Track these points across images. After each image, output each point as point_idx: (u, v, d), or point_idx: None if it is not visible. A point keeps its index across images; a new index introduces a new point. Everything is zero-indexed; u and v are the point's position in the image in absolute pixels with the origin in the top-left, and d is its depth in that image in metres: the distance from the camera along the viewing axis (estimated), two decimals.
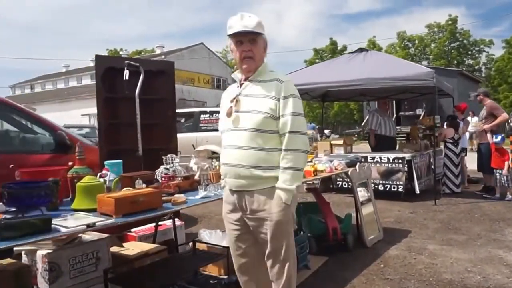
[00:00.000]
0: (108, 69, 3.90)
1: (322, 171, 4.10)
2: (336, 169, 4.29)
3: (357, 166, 4.46)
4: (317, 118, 43.56)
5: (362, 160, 6.78)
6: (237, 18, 2.08)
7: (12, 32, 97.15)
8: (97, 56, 3.99)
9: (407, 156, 6.61)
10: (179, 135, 4.49)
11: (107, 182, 2.78)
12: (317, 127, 31.64)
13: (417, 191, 6.57)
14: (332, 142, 7.42)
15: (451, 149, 7.10)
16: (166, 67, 4.30)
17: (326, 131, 34.50)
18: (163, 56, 32.52)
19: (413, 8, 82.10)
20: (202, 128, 9.22)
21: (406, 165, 6.63)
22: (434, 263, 3.73)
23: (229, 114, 2.17)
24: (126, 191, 2.55)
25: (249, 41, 2.10)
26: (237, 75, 2.25)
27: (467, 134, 8.90)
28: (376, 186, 6.73)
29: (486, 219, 5.24)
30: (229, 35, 2.11)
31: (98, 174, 2.93)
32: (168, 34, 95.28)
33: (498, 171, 6.39)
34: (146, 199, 2.45)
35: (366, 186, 4.66)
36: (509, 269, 3.53)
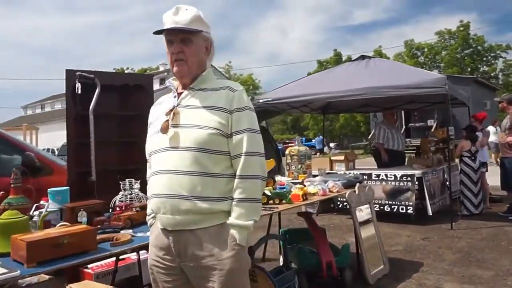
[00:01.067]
0: (83, 85, 3.51)
1: (314, 194, 3.57)
2: (330, 191, 3.75)
3: (356, 187, 3.90)
4: (321, 131, 43.10)
5: (366, 178, 6.23)
6: (171, 12, 1.69)
7: (26, 55, 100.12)
8: (68, 71, 3.55)
9: (417, 173, 6.02)
10: None
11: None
12: (324, 140, 31.21)
13: (430, 212, 5.97)
14: (332, 158, 6.87)
15: (468, 164, 6.49)
16: (144, 81, 3.96)
17: (332, 145, 33.98)
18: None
19: (420, 17, 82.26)
20: None
21: (416, 183, 6.04)
22: None
23: (164, 130, 1.69)
24: (53, 230, 2.10)
25: (181, 41, 1.69)
26: (173, 82, 1.80)
27: (490, 146, 8.25)
28: (382, 207, 6.15)
29: None
30: (156, 33, 1.71)
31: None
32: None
33: None
34: (73, 240, 1.99)
35: (368, 210, 4.09)
36: None
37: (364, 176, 6.30)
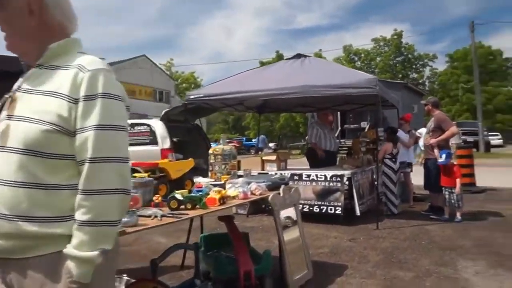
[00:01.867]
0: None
1: (234, 198, 3.28)
2: (253, 194, 3.48)
3: (281, 189, 3.67)
4: (262, 132, 43.38)
5: (297, 178, 6.09)
6: None
7: None
8: None
9: (347, 173, 5.98)
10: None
11: None
12: (266, 139, 31.29)
13: (358, 212, 5.94)
14: (264, 158, 6.66)
15: (389, 166, 6.56)
16: (12, 66, 3.35)
17: (271, 144, 34.19)
18: None
19: (360, 24, 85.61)
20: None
21: (346, 183, 6.00)
22: None
23: None
24: None
25: None
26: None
27: (418, 147, 8.44)
28: (311, 208, 6.04)
29: (435, 248, 4.64)
30: None
31: None
32: (115, 48, 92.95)
33: (447, 189, 5.91)
34: None
35: (294, 212, 3.88)
36: None
37: (295, 177, 6.17)
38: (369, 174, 6.77)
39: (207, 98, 6.77)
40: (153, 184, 3.02)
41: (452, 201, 5.87)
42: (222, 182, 3.70)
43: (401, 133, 7.19)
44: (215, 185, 3.50)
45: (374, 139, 8.07)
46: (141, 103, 31.20)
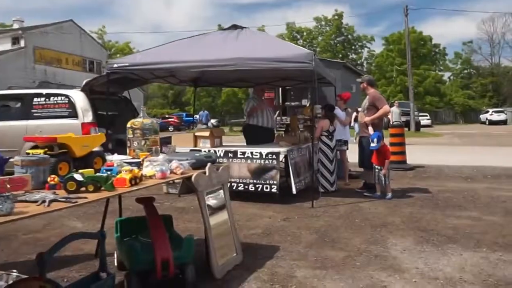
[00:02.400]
0: None
1: (150, 177, 2.89)
2: (173, 173, 3.11)
3: (207, 168, 3.32)
4: (203, 108, 42.58)
5: (232, 156, 5.78)
6: None
7: None
8: None
9: (282, 150, 5.76)
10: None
11: None
12: (209, 115, 30.57)
13: (294, 191, 5.78)
14: (197, 134, 6.26)
15: (326, 143, 6.45)
16: None
17: (213, 121, 33.63)
18: (20, 32, 28.25)
19: (302, 2, 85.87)
20: (35, 114, 7.42)
21: (281, 161, 5.80)
22: None
23: None
24: None
25: None
26: None
27: (356, 126, 8.44)
28: (246, 187, 5.78)
29: (367, 225, 4.57)
30: None
31: None
32: (39, 10, 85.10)
33: (377, 168, 5.92)
34: None
35: (221, 193, 3.57)
36: None
37: (230, 154, 5.86)
38: (306, 152, 6.63)
39: (132, 67, 6.18)
40: (50, 162, 2.54)
41: (381, 179, 5.89)
42: (140, 160, 3.29)
43: (337, 111, 7.10)
44: (131, 164, 3.09)
45: (311, 116, 7.95)
46: (69, 73, 28.91)
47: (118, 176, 2.66)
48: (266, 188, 5.71)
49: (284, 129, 8.26)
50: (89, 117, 7.30)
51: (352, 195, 6.21)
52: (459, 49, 60.11)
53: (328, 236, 4.21)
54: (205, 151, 3.83)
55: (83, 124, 7.20)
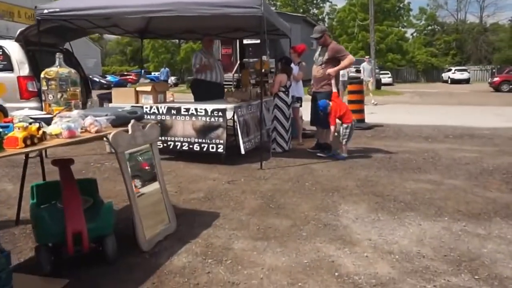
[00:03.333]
0: None
1: (57, 136, 2.42)
2: (87, 131, 2.65)
3: (130, 125, 2.87)
4: (163, 65, 40.88)
5: (175, 113, 5.32)
6: None
7: None
8: None
9: (229, 107, 5.34)
10: None
11: None
12: (169, 72, 29.14)
13: (243, 151, 5.43)
14: (138, 88, 5.69)
15: (283, 99, 6.09)
16: None
17: (172, 78, 32.43)
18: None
19: None
20: None
21: (228, 119, 5.40)
22: (234, 283, 2.48)
23: None
24: None
25: None
26: None
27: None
28: (191, 146, 5.38)
29: (318, 190, 4.31)
30: None
31: None
32: None
33: (344, 125, 5.65)
34: None
35: (149, 154, 3.14)
36: (342, 285, 2.47)
37: (173, 111, 5.39)
38: (256, 109, 6.24)
39: (64, 13, 5.44)
40: None
41: (342, 135, 5.65)
42: (52, 115, 2.81)
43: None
44: (39, 120, 2.60)
45: (265, 71, 7.52)
46: (21, 26, 26.63)
47: (9, 135, 2.19)
48: (212, 148, 5.32)
49: (234, 84, 7.80)
50: (25, 70, 6.57)
51: (305, 155, 5.96)
52: (424, 4, 60.18)
53: (274, 202, 3.93)
54: (134, 107, 3.33)
55: (19, 77, 6.51)
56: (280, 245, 2.97)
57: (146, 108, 5.46)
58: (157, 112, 5.45)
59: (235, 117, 5.42)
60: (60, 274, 2.49)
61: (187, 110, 5.36)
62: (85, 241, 2.45)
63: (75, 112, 2.78)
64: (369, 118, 9.54)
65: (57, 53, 3.24)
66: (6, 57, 6.75)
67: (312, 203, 3.90)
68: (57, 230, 2.46)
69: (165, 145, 5.45)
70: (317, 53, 5.96)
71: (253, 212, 3.64)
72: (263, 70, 6.69)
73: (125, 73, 36.03)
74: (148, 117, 5.47)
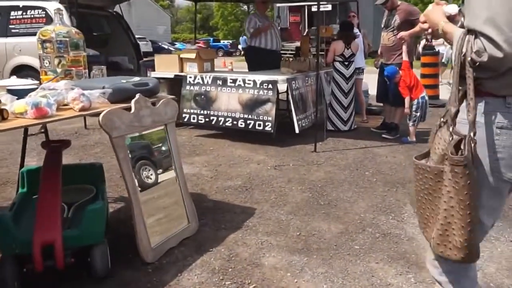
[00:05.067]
0: None
1: (20, 114, 1.74)
2: (65, 107, 1.94)
3: (133, 101, 2.11)
4: (232, 33, 40.15)
5: (221, 84, 4.53)
6: None
7: None
8: None
9: (281, 79, 4.42)
10: None
11: None
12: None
13: (297, 130, 4.52)
14: (182, 55, 4.95)
15: (339, 71, 5.01)
16: None
17: (240, 46, 31.52)
18: None
19: None
20: (13, 31, 6.32)
21: (282, 92, 4.51)
22: None
23: None
24: None
25: None
26: None
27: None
28: (236, 123, 4.57)
29: (380, 182, 3.33)
30: None
31: None
32: None
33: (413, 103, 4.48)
34: None
35: (163, 138, 2.38)
36: None
37: (218, 81, 4.59)
38: (315, 81, 5.24)
39: None
40: None
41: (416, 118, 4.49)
42: (36, 86, 2.14)
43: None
44: (15, 91, 1.96)
45: (328, 38, 6.43)
46: None
47: None
48: (259, 125, 4.47)
49: (293, 53, 6.79)
50: None
51: (368, 136, 4.89)
52: None
53: (324, 196, 3.03)
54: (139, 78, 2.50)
55: None
56: (323, 263, 2.11)
57: (190, 77, 4.73)
58: (201, 82, 4.69)
59: (289, 90, 4.50)
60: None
61: (234, 81, 4.53)
62: (58, 255, 1.78)
63: (61, 83, 2.08)
64: (445, 95, 8.05)
65: (55, 9, 2.55)
66: (49, 20, 6.31)
67: (370, 200, 2.95)
68: (23, 238, 1.80)
69: (207, 119, 4.70)
70: (385, 18, 4.78)
71: (297, 210, 2.79)
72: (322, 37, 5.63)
73: (196, 41, 35.83)
74: (192, 87, 4.73)
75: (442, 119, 1.18)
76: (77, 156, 4.10)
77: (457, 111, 1.13)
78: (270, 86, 4.34)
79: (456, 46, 1.10)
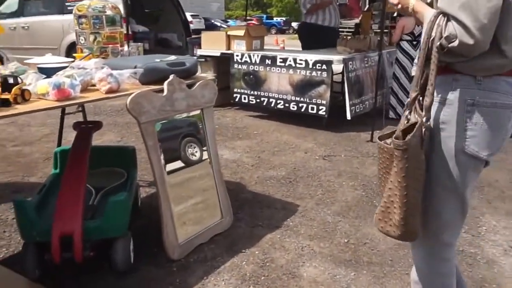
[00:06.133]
0: None
1: (42, 95, 1.64)
2: (92, 87, 1.82)
3: (166, 83, 1.94)
4: (286, 9, 39.13)
5: (270, 63, 4.29)
6: None
7: None
8: None
9: (336, 58, 4.06)
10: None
11: None
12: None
13: (348, 116, 4.18)
14: (230, 32, 4.74)
15: (406, 51, 4.52)
16: None
17: (295, 24, 30.75)
18: None
19: None
20: (69, 8, 6.52)
21: (337, 73, 4.18)
22: None
23: None
24: None
25: None
26: None
27: None
28: (286, 105, 4.34)
29: None
30: None
31: None
32: None
33: None
34: None
35: (198, 123, 2.21)
36: None
37: (267, 61, 4.35)
38: (376, 62, 4.82)
39: None
40: None
41: None
42: (80, 64, 2.04)
43: None
44: (46, 70, 1.87)
45: (393, 13, 5.88)
46: None
47: None
48: (312, 109, 4.19)
49: (352, 30, 6.33)
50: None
51: None
52: None
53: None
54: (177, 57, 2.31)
55: None
56: (374, 281, 1.85)
57: (237, 55, 4.52)
58: (249, 61, 4.47)
59: (344, 71, 4.15)
60: (54, 280, 1.80)
61: (284, 60, 4.26)
62: (77, 247, 1.68)
63: (91, 62, 1.96)
64: None
65: None
66: None
67: None
68: (45, 225, 1.72)
69: (257, 100, 4.49)
70: None
71: (346, 211, 2.52)
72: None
73: (248, 18, 35.40)
74: (240, 66, 4.53)
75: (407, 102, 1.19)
76: (119, 134, 4.09)
77: (416, 96, 1.13)
78: (324, 66, 4.02)
79: (425, 28, 1.09)
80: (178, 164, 2.09)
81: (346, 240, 2.20)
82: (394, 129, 1.17)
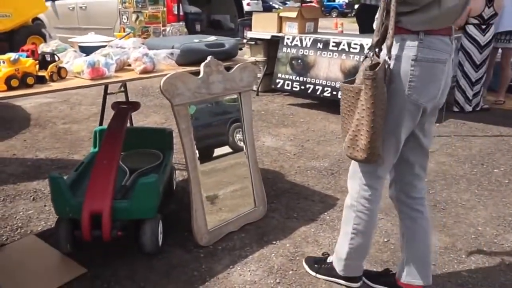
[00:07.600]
0: None
1: (78, 74, 1.71)
2: (127, 67, 1.87)
3: (203, 64, 1.95)
4: None
5: (321, 47, 4.20)
6: None
7: None
8: None
9: None
10: None
11: None
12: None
13: None
14: (282, 14, 4.67)
15: (473, 37, 4.18)
16: None
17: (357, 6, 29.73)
18: None
19: None
20: None
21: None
22: None
23: None
24: None
25: None
26: None
27: None
28: (334, 93, 4.23)
29: None
30: None
31: None
32: None
33: None
34: None
35: (235, 108, 2.20)
36: None
37: (319, 45, 4.26)
38: None
39: None
40: None
41: None
42: (119, 43, 2.12)
43: None
44: (86, 48, 1.95)
45: None
46: None
47: None
48: None
49: None
50: None
51: (504, 122, 4.11)
52: None
53: (431, 195, 2.59)
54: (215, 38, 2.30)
55: None
56: None
57: (288, 38, 4.45)
58: (299, 44, 4.39)
59: None
60: (83, 256, 1.90)
61: (337, 44, 4.13)
62: (105, 226, 1.75)
63: (130, 41, 2.01)
64: None
65: None
66: None
67: (496, 209, 2.43)
68: (77, 202, 1.81)
69: (302, 87, 4.41)
70: None
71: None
72: None
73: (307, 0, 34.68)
74: (289, 50, 4.46)
75: (366, 51, 1.42)
76: (164, 116, 4.21)
77: (378, 40, 1.36)
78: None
79: None
80: (226, 149, 2.13)
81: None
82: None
